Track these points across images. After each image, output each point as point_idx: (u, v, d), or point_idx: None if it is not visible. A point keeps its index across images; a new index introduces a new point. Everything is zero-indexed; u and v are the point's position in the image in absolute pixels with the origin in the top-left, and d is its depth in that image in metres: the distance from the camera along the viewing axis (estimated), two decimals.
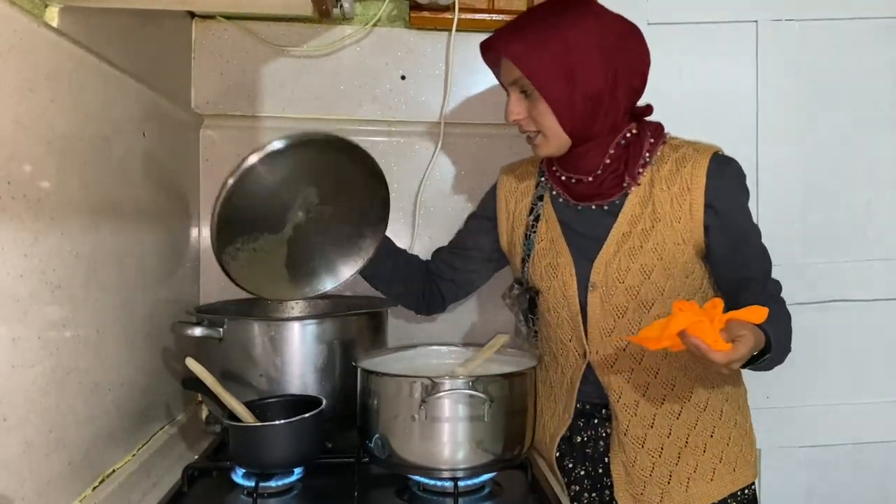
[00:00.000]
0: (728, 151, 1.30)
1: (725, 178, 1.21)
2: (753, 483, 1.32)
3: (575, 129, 1.19)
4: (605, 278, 1.23)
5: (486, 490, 1.17)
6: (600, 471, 1.31)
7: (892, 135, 1.77)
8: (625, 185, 1.23)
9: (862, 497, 1.83)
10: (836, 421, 1.80)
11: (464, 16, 1.62)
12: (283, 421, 1.11)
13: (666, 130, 1.27)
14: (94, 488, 1.05)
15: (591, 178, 1.24)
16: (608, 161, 1.23)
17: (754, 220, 1.26)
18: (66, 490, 0.97)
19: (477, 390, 1.08)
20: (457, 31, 1.64)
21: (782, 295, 1.21)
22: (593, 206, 1.26)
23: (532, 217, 1.33)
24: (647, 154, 1.24)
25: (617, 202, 1.24)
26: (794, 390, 1.75)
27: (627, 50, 1.18)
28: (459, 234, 1.48)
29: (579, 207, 1.28)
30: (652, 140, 1.24)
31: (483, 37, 1.66)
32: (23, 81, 0.85)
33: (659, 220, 1.21)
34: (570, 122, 1.18)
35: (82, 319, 1.02)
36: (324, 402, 1.17)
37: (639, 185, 1.23)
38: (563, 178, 1.28)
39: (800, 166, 1.75)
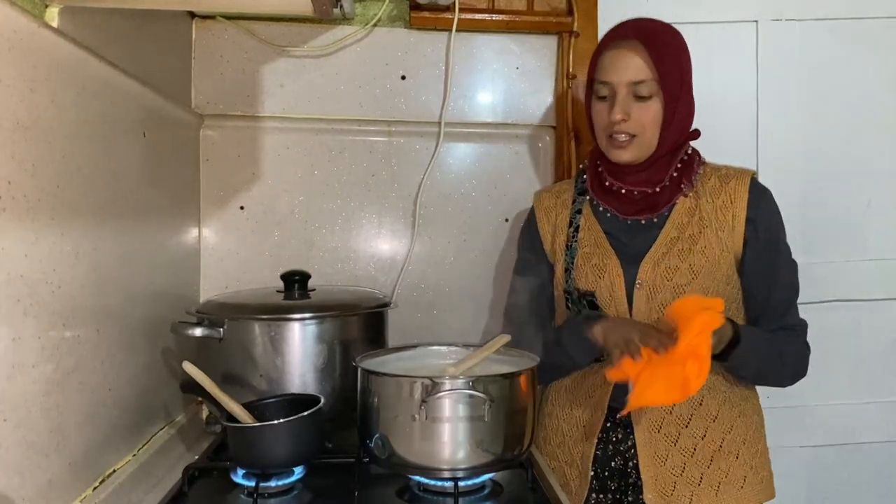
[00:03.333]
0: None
1: (765, 197, 1.29)
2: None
3: (667, 138, 1.25)
4: (653, 277, 1.26)
5: (486, 490, 1.17)
6: (606, 473, 1.31)
7: (892, 135, 1.77)
8: (683, 187, 1.29)
9: (862, 497, 1.83)
10: (836, 421, 1.80)
11: (464, 16, 1.63)
12: (281, 420, 1.11)
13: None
14: (95, 488, 1.05)
15: (658, 189, 1.29)
16: (675, 174, 1.29)
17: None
18: (67, 490, 0.97)
19: (477, 390, 1.08)
20: (457, 31, 1.64)
21: (806, 338, 1.30)
22: (643, 221, 1.30)
23: (572, 228, 1.36)
24: (698, 169, 1.31)
25: (665, 213, 1.29)
26: (794, 390, 1.74)
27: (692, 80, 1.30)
28: (523, 281, 1.42)
29: (629, 221, 1.31)
30: (698, 159, 1.33)
31: (483, 37, 1.69)
32: (23, 81, 0.85)
33: (706, 226, 1.27)
34: (670, 132, 1.25)
35: (82, 319, 1.02)
36: (322, 400, 1.17)
37: (686, 196, 1.29)
38: (625, 190, 1.30)
39: (800, 166, 1.76)
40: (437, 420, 1.08)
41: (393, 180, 1.69)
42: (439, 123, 1.67)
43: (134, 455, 1.19)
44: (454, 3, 1.60)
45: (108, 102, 1.10)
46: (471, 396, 1.08)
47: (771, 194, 1.30)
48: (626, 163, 1.27)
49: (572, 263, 1.33)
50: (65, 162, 0.96)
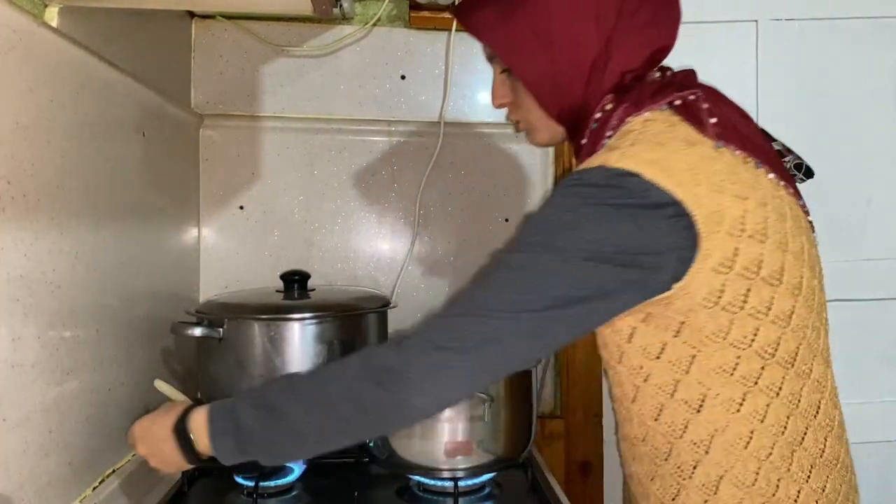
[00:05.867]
0: None
1: (552, 191, 0.82)
2: None
3: (563, 112, 0.89)
4: None
5: (486, 490, 1.17)
6: None
7: (893, 134, 1.77)
8: None
9: (862, 497, 1.82)
10: None
11: None
12: None
13: (646, 110, 0.84)
14: (94, 488, 1.05)
15: None
16: (578, 150, 0.91)
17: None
18: (66, 490, 0.97)
19: None
20: (456, 31, 1.64)
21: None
22: None
23: None
24: (606, 139, 0.85)
25: None
26: None
27: (640, 4, 0.87)
28: None
29: None
30: (614, 121, 0.85)
31: None
32: (23, 81, 0.85)
33: None
34: (555, 105, 0.89)
35: (82, 319, 1.02)
36: None
37: None
38: None
39: None
40: (437, 420, 1.08)
41: (393, 180, 1.69)
42: (439, 123, 1.67)
43: (134, 455, 1.19)
44: (454, 2, 1.60)
45: (108, 102, 1.10)
46: (470, 396, 1.08)
47: (577, 182, 0.77)
48: (545, 146, 1.00)
49: None
50: (64, 162, 0.96)
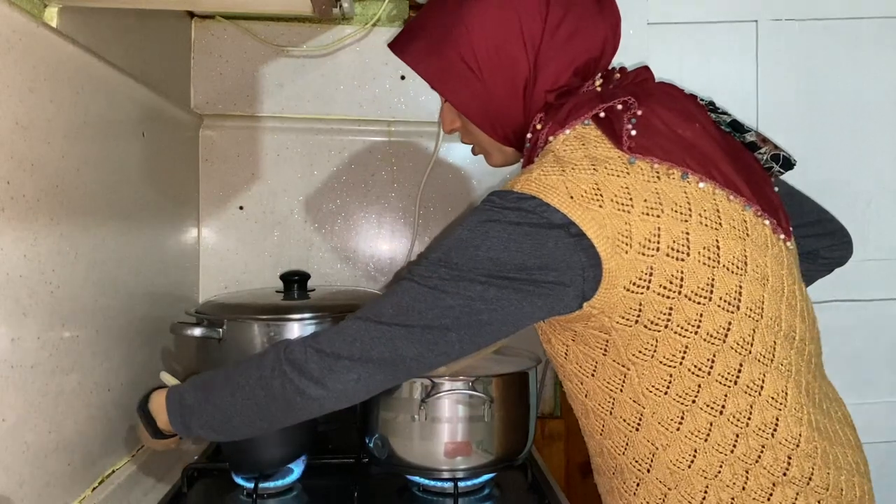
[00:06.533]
0: None
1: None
2: None
3: (508, 135, 0.92)
4: None
5: (486, 490, 1.17)
6: None
7: (892, 135, 1.77)
8: None
9: None
10: None
11: None
12: None
13: (568, 127, 0.83)
14: (94, 489, 1.05)
15: None
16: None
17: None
18: (66, 491, 0.97)
19: (477, 390, 1.08)
20: None
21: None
22: None
23: None
24: (536, 160, 0.85)
25: None
26: None
27: (562, 18, 0.86)
28: None
29: None
30: (542, 142, 0.86)
31: None
32: (22, 81, 0.85)
33: None
34: (498, 129, 0.91)
35: (82, 319, 1.02)
36: None
37: None
38: None
39: (799, 166, 1.74)
40: (437, 420, 1.08)
41: (393, 180, 1.69)
42: (439, 123, 1.67)
43: (133, 455, 1.19)
44: None
45: (108, 102, 1.10)
46: (470, 396, 1.08)
47: (484, 205, 0.79)
48: (501, 167, 1.00)
49: None
50: (64, 162, 0.95)
